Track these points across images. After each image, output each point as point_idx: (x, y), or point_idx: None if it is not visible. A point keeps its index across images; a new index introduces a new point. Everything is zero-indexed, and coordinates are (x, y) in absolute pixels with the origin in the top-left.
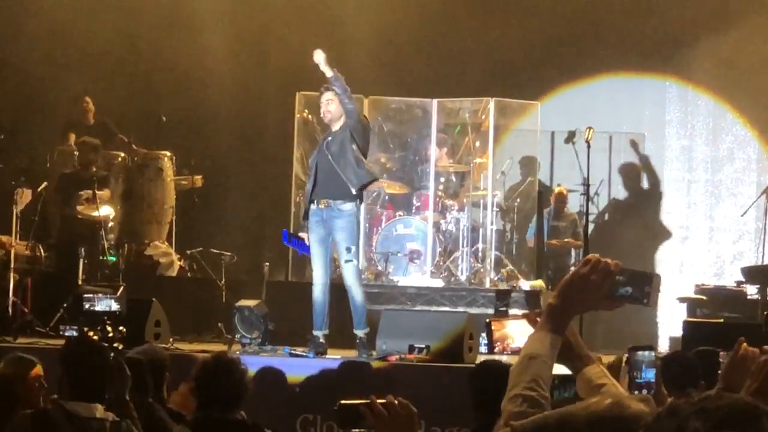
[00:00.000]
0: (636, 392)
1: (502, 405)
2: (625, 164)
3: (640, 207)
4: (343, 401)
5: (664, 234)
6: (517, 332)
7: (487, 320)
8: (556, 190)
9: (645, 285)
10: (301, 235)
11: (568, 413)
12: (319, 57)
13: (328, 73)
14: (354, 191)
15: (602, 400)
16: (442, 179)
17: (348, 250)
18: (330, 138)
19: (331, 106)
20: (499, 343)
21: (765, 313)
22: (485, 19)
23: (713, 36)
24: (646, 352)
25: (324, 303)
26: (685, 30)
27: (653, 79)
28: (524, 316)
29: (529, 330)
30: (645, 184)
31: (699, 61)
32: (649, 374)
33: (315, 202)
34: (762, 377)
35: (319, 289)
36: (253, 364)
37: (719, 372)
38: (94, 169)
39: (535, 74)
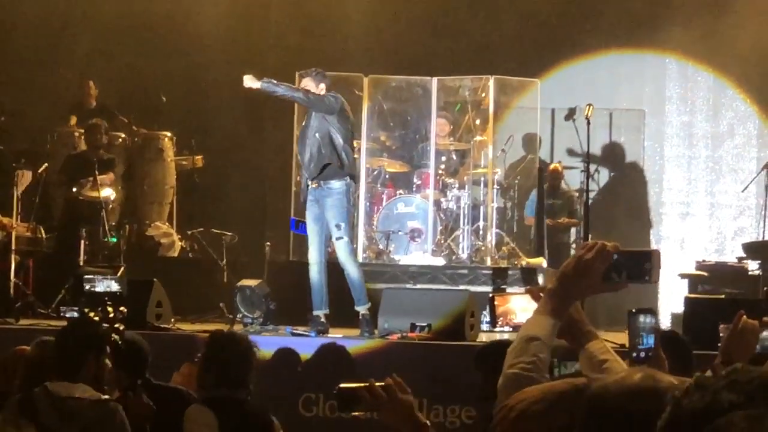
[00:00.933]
0: (634, 354)
1: (499, 385)
2: (626, 141)
3: (640, 184)
4: (341, 385)
5: (664, 210)
6: (519, 308)
7: (490, 295)
8: (551, 166)
9: (645, 262)
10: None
11: (600, 387)
12: (248, 81)
13: (258, 85)
14: (310, 176)
15: (633, 372)
16: (443, 158)
17: (338, 227)
18: (305, 122)
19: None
20: (501, 319)
21: (765, 288)
22: None
23: (714, 11)
24: (648, 318)
25: (321, 282)
26: (685, 5)
27: (653, 56)
28: (527, 291)
29: (532, 305)
30: (646, 161)
31: (699, 37)
32: (650, 340)
33: (309, 182)
34: (740, 330)
35: (314, 269)
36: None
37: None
38: (102, 151)
39: (535, 52)
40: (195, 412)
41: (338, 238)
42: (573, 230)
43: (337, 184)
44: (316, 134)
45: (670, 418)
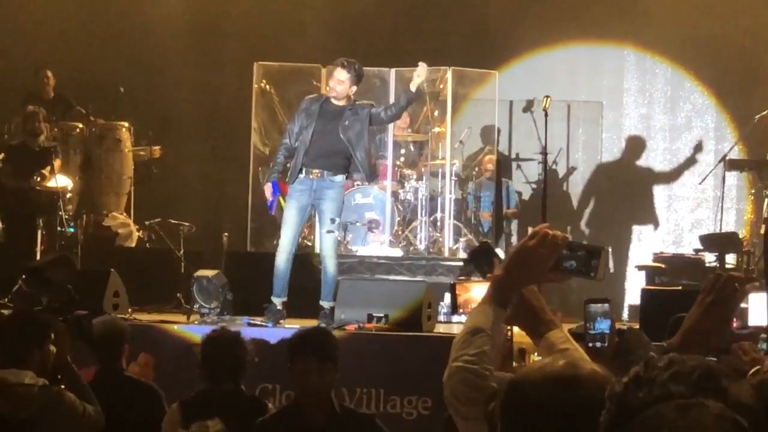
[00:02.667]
0: (590, 344)
1: (444, 378)
2: (583, 133)
3: (598, 175)
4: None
5: (622, 203)
6: (481, 295)
7: (452, 282)
8: (487, 158)
9: (592, 258)
10: (267, 185)
11: (522, 374)
12: (423, 71)
13: (414, 86)
14: (363, 172)
15: (556, 360)
16: (401, 149)
17: (333, 221)
18: (345, 112)
19: (340, 86)
20: (462, 308)
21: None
22: None
23: (671, 3)
24: (599, 304)
25: (286, 271)
26: None
27: (611, 48)
28: (489, 279)
29: None
30: (603, 153)
31: (657, 29)
32: (603, 325)
33: (304, 170)
34: (717, 289)
35: (283, 257)
36: None
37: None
38: (42, 139)
39: (494, 43)
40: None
41: (329, 232)
42: (515, 222)
43: (339, 178)
44: (365, 133)
45: (617, 414)
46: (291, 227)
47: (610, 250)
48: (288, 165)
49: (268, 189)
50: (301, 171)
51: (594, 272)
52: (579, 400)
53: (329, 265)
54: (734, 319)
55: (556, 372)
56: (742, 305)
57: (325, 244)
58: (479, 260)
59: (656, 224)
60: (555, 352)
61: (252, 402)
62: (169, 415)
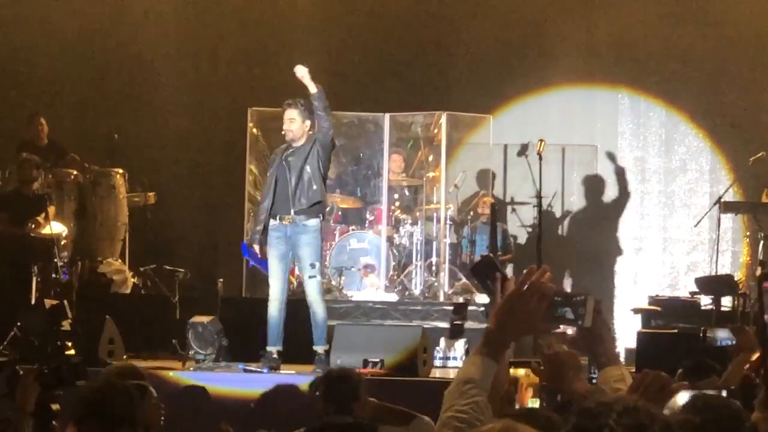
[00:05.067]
0: None
1: (436, 429)
2: (578, 176)
3: (593, 219)
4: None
5: (617, 246)
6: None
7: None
8: (484, 201)
9: (579, 306)
10: (254, 247)
11: None
12: (303, 71)
13: (312, 88)
14: (294, 210)
15: (496, 424)
16: (396, 194)
17: (312, 266)
18: (291, 151)
19: (293, 125)
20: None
21: (703, 329)
22: (437, 32)
23: (664, 47)
24: None
25: (279, 319)
26: (635, 41)
27: (605, 91)
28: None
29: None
30: (598, 196)
31: (651, 72)
32: None
33: (277, 217)
34: (644, 385)
35: (275, 306)
36: (207, 380)
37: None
38: (36, 186)
39: (487, 87)
40: None
41: (311, 277)
42: (510, 266)
43: (313, 222)
44: (308, 168)
45: None
46: (276, 277)
47: (594, 298)
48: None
49: (256, 248)
50: (273, 218)
51: (581, 320)
52: None
53: (317, 309)
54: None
55: None
56: None
57: (309, 289)
58: (481, 274)
59: (652, 267)
60: (608, 389)
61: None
62: None
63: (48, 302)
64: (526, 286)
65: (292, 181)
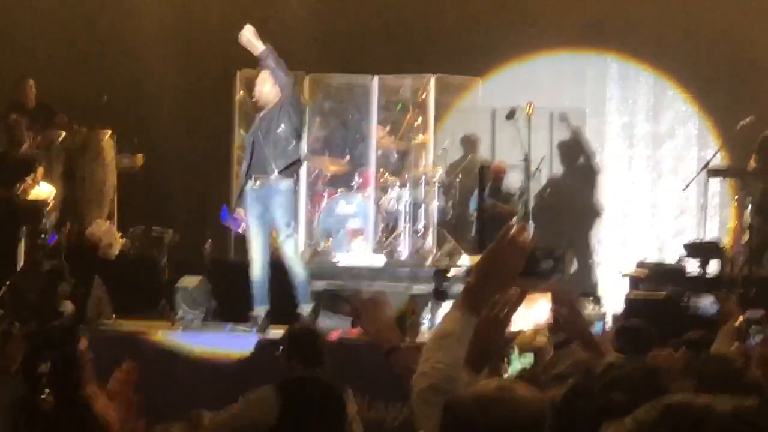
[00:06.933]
0: None
1: (413, 381)
2: (566, 140)
3: (581, 183)
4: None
5: (605, 210)
6: (519, 315)
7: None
8: (495, 164)
9: (559, 260)
10: (239, 210)
11: (456, 397)
12: (248, 32)
13: (258, 48)
14: (276, 171)
15: (490, 383)
16: (385, 158)
17: (288, 225)
18: (262, 114)
19: (264, 86)
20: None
21: (686, 295)
22: None
23: (653, 11)
24: (592, 307)
25: (264, 280)
26: (624, 5)
27: (594, 56)
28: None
29: (534, 310)
30: (586, 161)
31: (640, 37)
32: (596, 328)
33: (252, 178)
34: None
35: (257, 266)
36: (195, 340)
37: None
38: (25, 148)
39: (477, 50)
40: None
41: (287, 236)
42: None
43: (286, 183)
44: (282, 128)
45: (560, 428)
46: (255, 237)
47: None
48: None
49: (239, 213)
50: (249, 180)
51: (561, 274)
52: (508, 420)
53: (297, 270)
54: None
55: (487, 394)
56: None
57: (286, 249)
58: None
59: (639, 232)
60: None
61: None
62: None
63: (48, 263)
64: (506, 241)
65: (267, 143)
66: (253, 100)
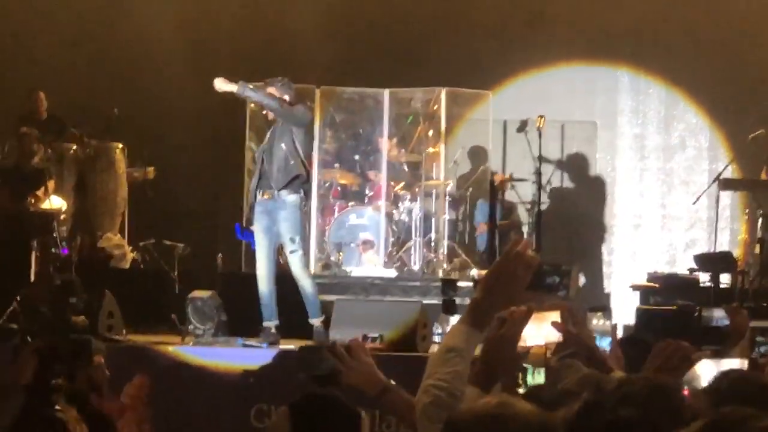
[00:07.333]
0: None
1: (417, 397)
2: (577, 153)
3: (592, 196)
4: (303, 345)
5: (616, 222)
6: (530, 332)
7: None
8: (496, 177)
9: (565, 277)
10: (253, 227)
11: (458, 414)
12: (218, 83)
13: (234, 89)
14: (276, 187)
15: (491, 399)
16: (397, 170)
17: (292, 240)
18: (272, 129)
19: None
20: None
21: (698, 308)
22: (438, 7)
23: (664, 24)
24: (601, 321)
25: (270, 294)
26: (637, 19)
27: (605, 68)
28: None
29: (544, 327)
30: (597, 173)
31: (650, 49)
32: (603, 343)
33: (260, 192)
34: (665, 356)
35: (263, 281)
36: (206, 354)
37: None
38: (36, 160)
39: (488, 63)
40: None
41: (292, 251)
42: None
43: (291, 197)
44: (283, 145)
45: None
46: (263, 251)
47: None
48: None
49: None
50: (258, 193)
51: (566, 290)
52: None
53: (304, 284)
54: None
55: (488, 411)
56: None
57: (293, 264)
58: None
59: (651, 244)
60: None
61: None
62: None
63: (59, 278)
64: (511, 255)
65: (271, 158)
66: (263, 112)
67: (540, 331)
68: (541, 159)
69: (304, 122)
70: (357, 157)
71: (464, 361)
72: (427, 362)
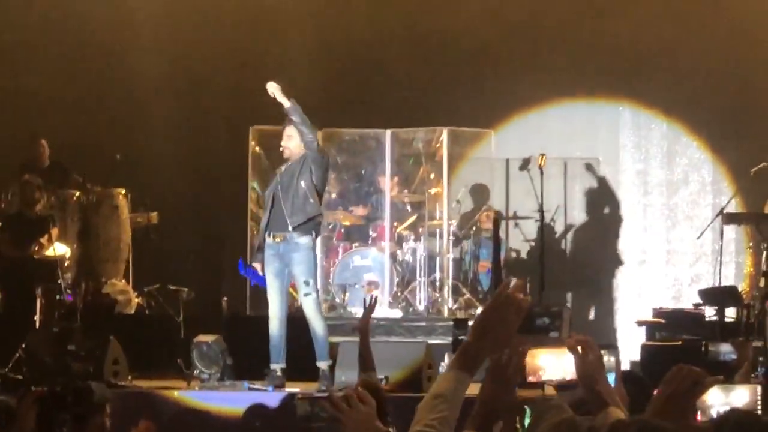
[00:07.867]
0: None
1: None
2: (580, 190)
3: (596, 232)
4: (301, 396)
5: (621, 258)
6: (549, 364)
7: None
8: (483, 215)
9: (556, 318)
10: (255, 265)
11: None
12: (272, 88)
13: (286, 103)
14: (291, 227)
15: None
16: (399, 211)
17: (306, 283)
18: (283, 169)
19: (290, 142)
20: (531, 376)
21: (704, 343)
22: (437, 46)
23: (664, 60)
24: (608, 357)
25: (281, 336)
26: (636, 55)
27: (606, 104)
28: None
29: (563, 360)
30: (600, 209)
31: (651, 85)
32: (610, 378)
33: (271, 235)
34: (676, 383)
35: (275, 323)
36: (211, 399)
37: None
38: (39, 207)
39: (489, 102)
40: None
41: (306, 294)
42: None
43: (304, 239)
44: (303, 182)
45: None
46: (273, 293)
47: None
48: None
49: (256, 267)
50: (268, 235)
51: (559, 331)
52: None
53: (316, 326)
54: (696, 413)
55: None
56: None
57: (306, 307)
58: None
59: (656, 279)
60: None
61: None
62: None
63: (59, 325)
64: (501, 298)
65: (287, 198)
66: (281, 149)
67: (559, 364)
68: (542, 196)
69: (321, 160)
70: (360, 198)
71: (451, 407)
72: (417, 408)
